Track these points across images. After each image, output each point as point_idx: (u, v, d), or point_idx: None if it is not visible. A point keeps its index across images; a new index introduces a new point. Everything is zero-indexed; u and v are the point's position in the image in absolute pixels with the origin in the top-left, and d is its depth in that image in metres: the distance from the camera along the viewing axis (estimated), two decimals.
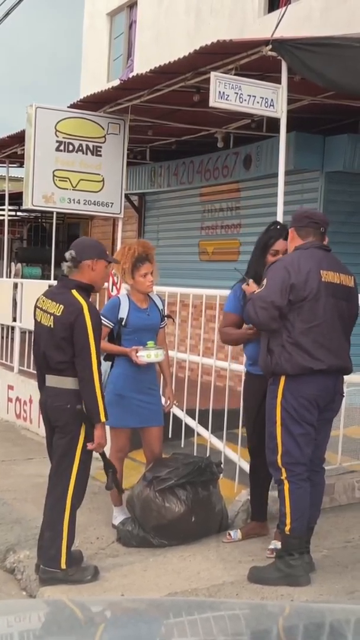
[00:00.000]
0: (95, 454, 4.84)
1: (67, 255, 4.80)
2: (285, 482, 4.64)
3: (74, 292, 4.74)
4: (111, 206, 9.29)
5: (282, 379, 4.62)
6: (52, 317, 4.73)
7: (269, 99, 6.41)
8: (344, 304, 4.74)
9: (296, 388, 4.61)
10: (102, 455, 4.86)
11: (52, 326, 4.71)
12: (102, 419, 4.65)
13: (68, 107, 9.02)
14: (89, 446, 4.69)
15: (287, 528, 4.64)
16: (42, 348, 4.79)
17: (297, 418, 4.62)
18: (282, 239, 5.09)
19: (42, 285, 9.18)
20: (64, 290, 4.79)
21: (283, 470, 4.65)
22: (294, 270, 4.60)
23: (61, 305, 4.70)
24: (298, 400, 4.61)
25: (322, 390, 4.66)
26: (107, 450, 5.63)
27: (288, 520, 4.63)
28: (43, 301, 4.87)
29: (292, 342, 4.58)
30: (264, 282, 4.70)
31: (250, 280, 5.02)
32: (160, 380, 5.85)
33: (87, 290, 4.82)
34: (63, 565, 4.70)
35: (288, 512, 4.63)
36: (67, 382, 4.71)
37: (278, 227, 5.31)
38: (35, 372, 5.32)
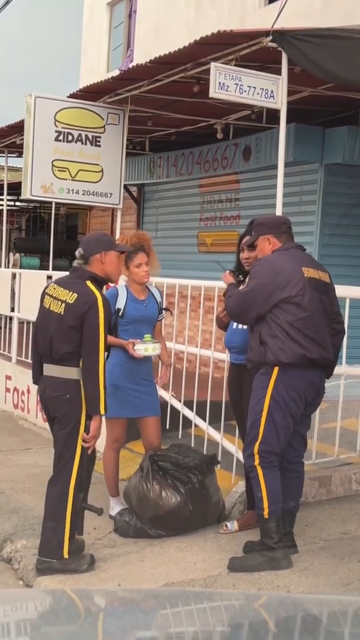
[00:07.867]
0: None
1: (77, 253, 4.85)
2: (258, 467, 4.76)
3: (89, 283, 4.75)
4: (110, 197, 9.28)
5: (276, 369, 4.72)
6: (63, 304, 4.72)
7: (269, 90, 6.39)
8: (325, 299, 4.91)
9: (289, 380, 4.72)
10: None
11: (62, 313, 4.71)
12: (102, 411, 4.66)
13: (67, 97, 8.99)
14: (84, 437, 4.69)
15: (265, 512, 4.75)
16: (49, 335, 4.76)
17: (285, 409, 4.74)
18: (248, 235, 5.38)
19: (41, 275, 9.19)
20: (79, 280, 4.80)
21: (257, 457, 4.76)
22: (279, 270, 4.76)
23: (75, 294, 4.70)
24: (289, 393, 4.73)
25: (310, 385, 4.81)
26: (102, 441, 5.66)
27: (265, 505, 4.74)
28: (54, 288, 4.86)
29: (284, 333, 4.71)
30: (247, 280, 4.80)
31: (227, 272, 5.29)
32: (158, 372, 5.86)
33: (101, 282, 4.87)
34: (66, 555, 4.72)
35: (265, 496, 4.74)
36: (69, 372, 4.71)
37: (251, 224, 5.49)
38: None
